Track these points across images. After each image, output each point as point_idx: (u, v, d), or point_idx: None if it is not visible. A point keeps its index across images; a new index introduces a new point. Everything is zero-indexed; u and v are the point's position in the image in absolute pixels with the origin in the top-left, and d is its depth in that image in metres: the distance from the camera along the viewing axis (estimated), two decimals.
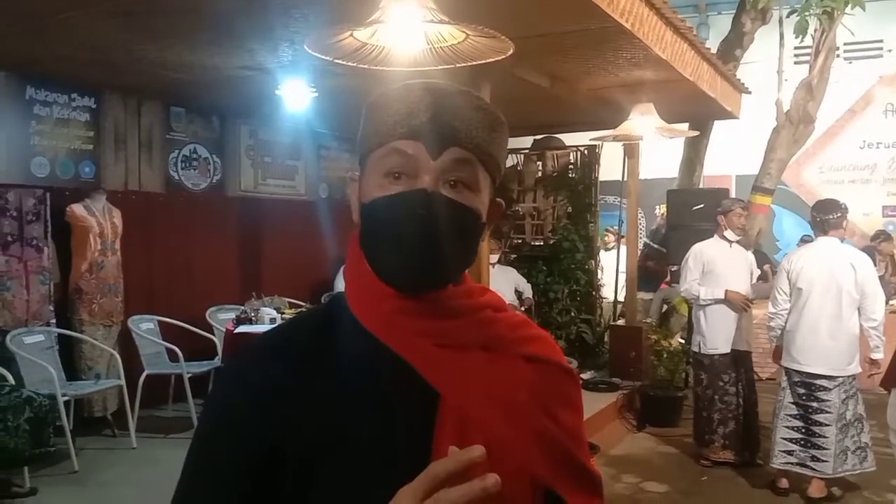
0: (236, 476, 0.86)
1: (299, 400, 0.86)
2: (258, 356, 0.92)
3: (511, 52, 3.08)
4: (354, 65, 3.17)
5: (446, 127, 0.86)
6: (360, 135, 0.93)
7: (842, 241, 4.50)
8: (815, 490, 4.47)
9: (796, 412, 4.47)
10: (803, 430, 4.44)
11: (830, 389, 4.36)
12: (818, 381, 4.38)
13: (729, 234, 5.09)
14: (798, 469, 4.49)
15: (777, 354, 4.64)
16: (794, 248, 4.61)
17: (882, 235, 8.97)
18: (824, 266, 4.39)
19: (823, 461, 4.38)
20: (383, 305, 0.88)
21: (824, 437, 4.38)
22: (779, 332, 4.58)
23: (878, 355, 4.40)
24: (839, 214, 4.43)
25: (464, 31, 2.94)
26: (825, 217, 4.43)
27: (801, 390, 4.44)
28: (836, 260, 4.39)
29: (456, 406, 0.87)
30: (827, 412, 4.37)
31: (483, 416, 0.87)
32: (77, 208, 5.50)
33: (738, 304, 4.98)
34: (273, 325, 5.22)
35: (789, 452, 4.49)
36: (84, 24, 4.21)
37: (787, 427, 4.50)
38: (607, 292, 8.13)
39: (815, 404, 4.40)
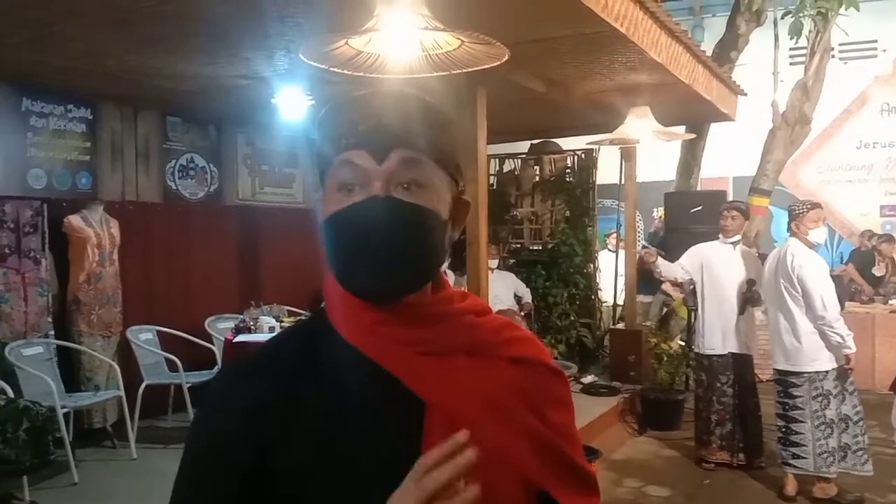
0: (226, 496, 0.86)
1: (286, 416, 0.86)
2: (244, 375, 0.92)
3: (506, 57, 3.08)
4: (350, 73, 3.17)
5: (388, 130, 0.86)
6: (314, 157, 0.93)
7: (801, 241, 4.49)
8: (790, 488, 4.54)
9: (778, 412, 4.57)
10: (785, 430, 4.50)
11: (799, 385, 4.43)
12: (788, 378, 4.49)
13: (721, 236, 5.14)
14: (783, 467, 4.57)
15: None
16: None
17: (883, 237, 8.98)
18: (772, 267, 4.56)
19: (803, 458, 4.43)
20: (363, 317, 0.88)
21: (800, 433, 4.42)
22: None
23: (845, 351, 4.33)
24: (792, 217, 4.52)
25: (459, 38, 2.94)
26: (796, 217, 4.53)
27: (778, 387, 4.56)
28: (780, 260, 4.50)
29: (442, 413, 0.86)
30: (799, 409, 4.42)
31: (471, 421, 0.86)
32: (74, 219, 5.49)
33: (646, 261, 5.20)
34: (271, 335, 5.21)
35: (793, 456, 4.52)
36: (79, 35, 4.22)
37: (777, 427, 4.60)
38: (606, 296, 8.12)
39: (789, 401, 4.48)
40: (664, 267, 5.24)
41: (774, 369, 4.61)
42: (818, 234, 4.47)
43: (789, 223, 4.54)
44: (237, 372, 0.96)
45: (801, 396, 4.41)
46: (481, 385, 0.89)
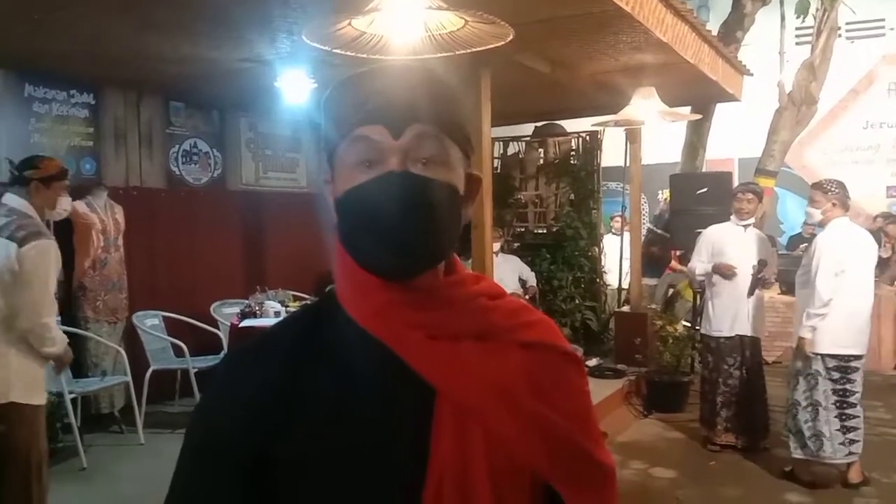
0: (227, 488, 0.85)
1: (292, 403, 0.84)
2: (248, 361, 0.91)
3: (511, 37, 3.05)
4: (353, 54, 3.15)
5: (404, 104, 0.84)
6: (323, 135, 0.91)
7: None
8: (855, 475, 4.42)
9: (836, 399, 4.36)
10: (842, 417, 4.36)
11: (858, 369, 4.34)
12: (852, 363, 4.33)
13: (734, 218, 5.09)
14: (850, 458, 4.38)
15: (811, 344, 4.39)
16: (824, 231, 4.36)
17: (890, 217, 8.94)
18: (859, 245, 4.37)
19: (858, 442, 4.34)
20: (374, 298, 0.86)
21: (856, 416, 4.34)
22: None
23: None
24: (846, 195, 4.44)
25: (463, 18, 2.92)
26: (848, 195, 4.41)
27: (836, 374, 4.34)
28: (865, 239, 4.40)
29: (452, 400, 0.85)
30: (857, 392, 4.34)
31: (480, 408, 0.85)
32: (79, 205, 5.48)
33: (727, 274, 5.00)
34: (277, 319, 5.23)
35: (844, 443, 4.35)
36: (81, 19, 4.20)
37: (836, 417, 4.35)
38: (611, 279, 8.11)
39: (848, 387, 4.33)
40: (699, 268, 5.14)
41: (831, 355, 4.32)
42: None
43: (843, 202, 4.39)
44: (241, 359, 0.94)
45: (857, 380, 4.34)
46: (491, 371, 0.87)
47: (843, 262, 4.28)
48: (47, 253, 3.10)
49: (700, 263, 5.15)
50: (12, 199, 3.20)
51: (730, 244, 5.05)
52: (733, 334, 5.06)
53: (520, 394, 0.88)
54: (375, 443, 0.83)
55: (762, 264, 4.93)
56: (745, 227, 5.07)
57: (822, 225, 4.45)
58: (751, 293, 4.99)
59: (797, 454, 4.49)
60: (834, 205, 4.37)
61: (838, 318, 4.29)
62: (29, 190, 3.22)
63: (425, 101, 0.85)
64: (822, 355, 4.35)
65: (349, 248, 0.88)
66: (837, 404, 4.34)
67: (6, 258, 3.03)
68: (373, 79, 0.87)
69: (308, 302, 6.09)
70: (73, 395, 4.81)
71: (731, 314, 5.05)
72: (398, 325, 0.86)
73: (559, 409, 0.90)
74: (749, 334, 5.06)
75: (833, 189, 4.38)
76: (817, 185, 4.48)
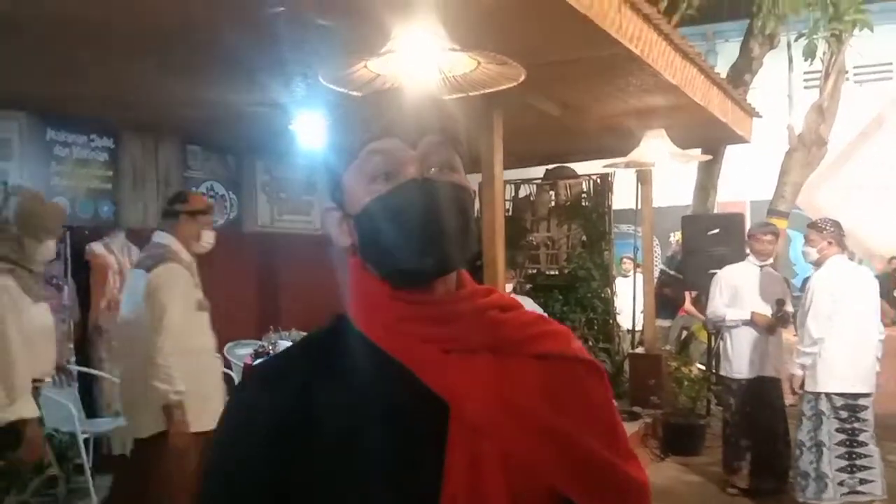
0: None
1: (307, 428, 0.85)
2: (263, 388, 0.91)
3: (523, 77, 3.11)
4: None
5: (414, 117, 0.89)
6: (326, 165, 0.94)
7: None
8: None
9: (842, 438, 4.29)
10: (848, 456, 4.28)
11: (867, 408, 4.28)
12: (860, 402, 4.27)
13: (751, 258, 5.07)
14: (851, 497, 4.29)
15: (801, 383, 4.43)
16: (819, 269, 4.42)
17: None
18: (858, 282, 4.37)
19: (871, 482, 4.24)
20: (387, 314, 0.88)
21: (869, 455, 4.24)
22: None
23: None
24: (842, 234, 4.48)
25: (476, 59, 2.98)
26: (843, 234, 4.43)
27: (845, 413, 4.28)
28: (863, 276, 4.40)
29: (466, 416, 0.84)
30: (866, 431, 4.26)
31: (494, 424, 0.85)
32: (97, 246, 5.57)
33: (764, 327, 4.92)
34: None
35: (841, 483, 4.27)
36: (100, 65, 4.30)
37: (838, 457, 4.28)
38: (624, 321, 8.07)
39: (857, 425, 4.26)
40: (730, 313, 5.05)
41: (838, 394, 4.28)
42: None
43: (840, 241, 4.42)
44: (255, 385, 0.94)
45: (869, 419, 4.27)
46: (505, 385, 0.87)
47: (839, 301, 4.29)
48: (173, 273, 3.25)
49: (725, 307, 5.05)
50: (158, 235, 3.37)
51: (746, 284, 5.01)
52: (754, 376, 4.97)
53: (534, 409, 0.87)
54: (389, 462, 0.83)
55: (780, 304, 4.89)
56: (761, 267, 5.04)
57: (818, 264, 4.45)
58: (772, 332, 4.94)
59: (801, 497, 4.40)
60: (830, 243, 4.39)
61: (841, 357, 4.26)
62: (177, 222, 3.37)
63: (431, 113, 0.90)
64: (828, 394, 4.30)
65: (376, 258, 0.90)
66: (846, 443, 4.28)
67: (143, 286, 3.18)
68: (377, 99, 0.93)
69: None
70: (85, 436, 4.78)
71: (751, 355, 4.97)
72: (411, 339, 0.87)
73: (579, 421, 0.89)
74: (770, 375, 4.99)
75: (828, 228, 4.41)
76: (812, 225, 4.53)
